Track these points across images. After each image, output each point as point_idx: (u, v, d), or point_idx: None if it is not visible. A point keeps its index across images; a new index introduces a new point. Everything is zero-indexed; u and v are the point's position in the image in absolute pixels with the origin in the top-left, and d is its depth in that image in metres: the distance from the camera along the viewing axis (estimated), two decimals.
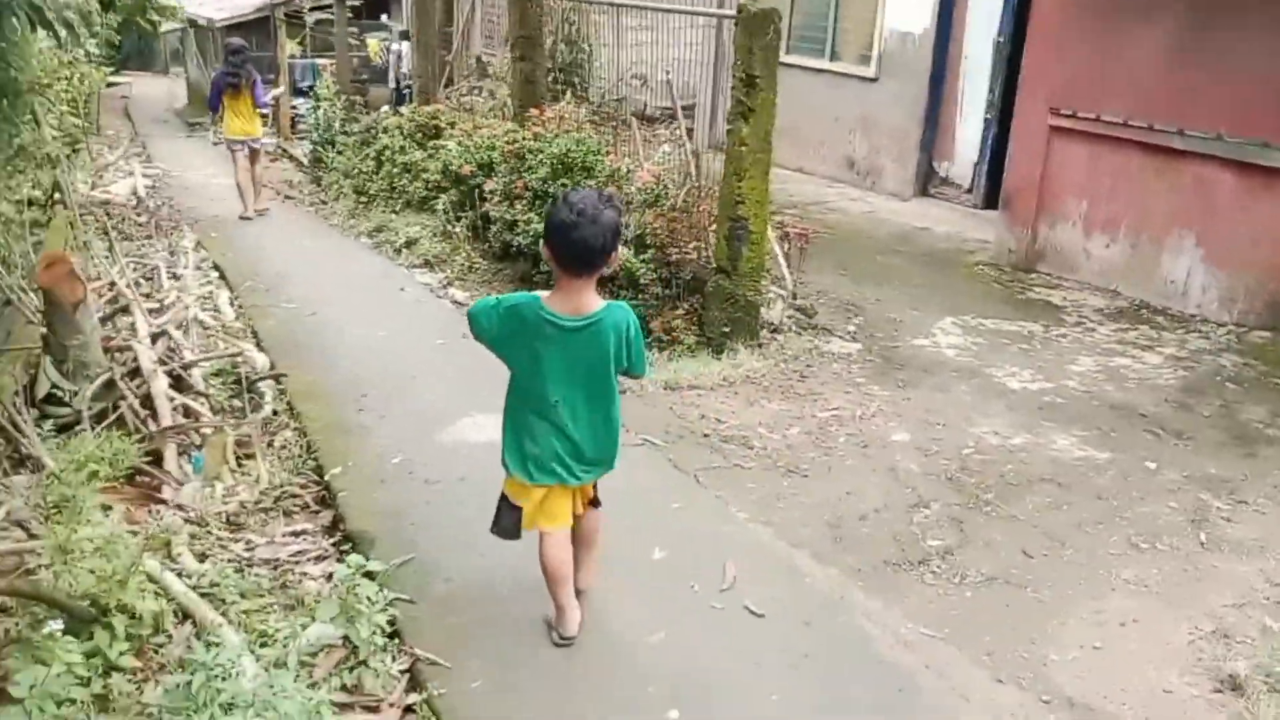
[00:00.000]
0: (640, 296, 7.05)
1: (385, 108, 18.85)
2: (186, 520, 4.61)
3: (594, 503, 3.67)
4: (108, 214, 10.95)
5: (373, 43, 19.67)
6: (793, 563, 4.33)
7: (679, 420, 5.74)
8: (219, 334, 6.97)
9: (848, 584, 4.19)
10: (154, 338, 6.31)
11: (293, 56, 20.78)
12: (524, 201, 8.08)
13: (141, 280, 8.23)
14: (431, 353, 6.80)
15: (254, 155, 11.37)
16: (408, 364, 6.56)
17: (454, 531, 4.42)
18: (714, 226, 6.97)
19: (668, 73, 8.29)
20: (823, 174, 12.65)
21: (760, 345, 6.80)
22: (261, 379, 6.02)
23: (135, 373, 5.77)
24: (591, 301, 3.20)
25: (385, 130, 11.43)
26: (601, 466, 3.48)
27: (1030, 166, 8.76)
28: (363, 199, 11.43)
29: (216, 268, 9.04)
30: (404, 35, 18.13)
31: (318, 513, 4.91)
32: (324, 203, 12.86)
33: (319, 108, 14.76)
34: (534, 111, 8.82)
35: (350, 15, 22.21)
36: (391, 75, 18.28)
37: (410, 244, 9.66)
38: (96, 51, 23.43)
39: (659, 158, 9.15)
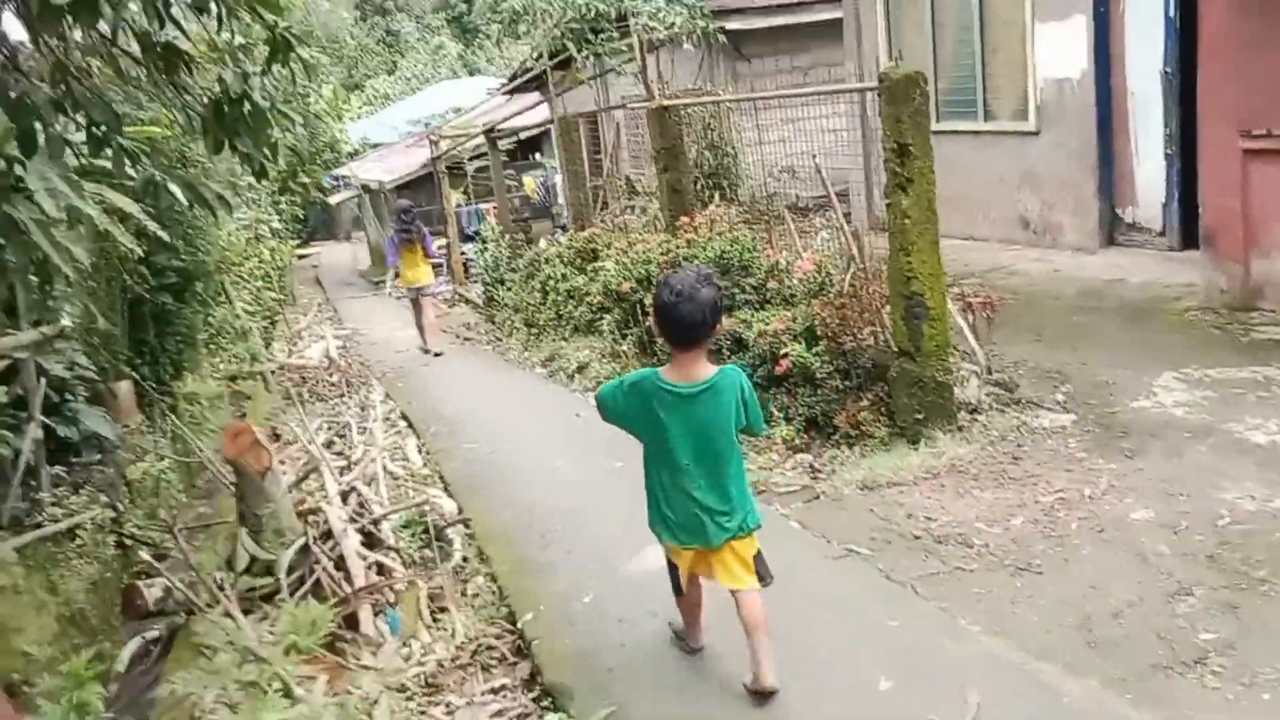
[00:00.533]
0: (819, 392, 6.63)
1: (544, 240, 19.54)
2: (386, 686, 4.44)
3: (761, 578, 3.67)
4: (302, 378, 11.51)
5: (529, 180, 20.42)
6: (1042, 678, 3.71)
7: (883, 523, 5.22)
8: (408, 483, 7.00)
9: (1113, 698, 3.55)
10: (344, 495, 6.36)
11: (459, 206, 21.87)
12: None
13: (335, 438, 8.47)
14: (608, 477, 6.56)
15: (427, 301, 12.75)
16: (587, 493, 6.34)
17: (651, 675, 4.06)
18: (887, 308, 6.53)
19: (815, 158, 7.99)
20: (995, 238, 11.92)
21: (960, 429, 6.21)
22: (449, 525, 5.92)
23: (328, 534, 5.78)
24: (703, 370, 3.48)
25: (547, 261, 11.62)
26: (733, 522, 3.57)
27: (1228, 196, 7.87)
28: (533, 330, 11.57)
29: (404, 416, 9.23)
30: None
31: (515, 664, 4.66)
32: (499, 339, 13.15)
33: (485, 250, 15.32)
34: (684, 220, 8.70)
35: (505, 158, 23.33)
36: (560, 208, 18.90)
37: (581, 369, 9.61)
38: (283, 227, 25.60)
39: (817, 245, 8.82)
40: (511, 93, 21.52)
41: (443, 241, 20.66)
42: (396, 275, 14.37)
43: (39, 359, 6.06)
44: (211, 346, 10.49)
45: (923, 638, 4.09)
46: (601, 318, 9.76)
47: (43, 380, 6.22)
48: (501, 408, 9.11)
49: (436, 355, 12.16)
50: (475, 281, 17.44)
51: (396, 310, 19.20)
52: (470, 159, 22.80)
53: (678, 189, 8.99)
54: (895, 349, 6.37)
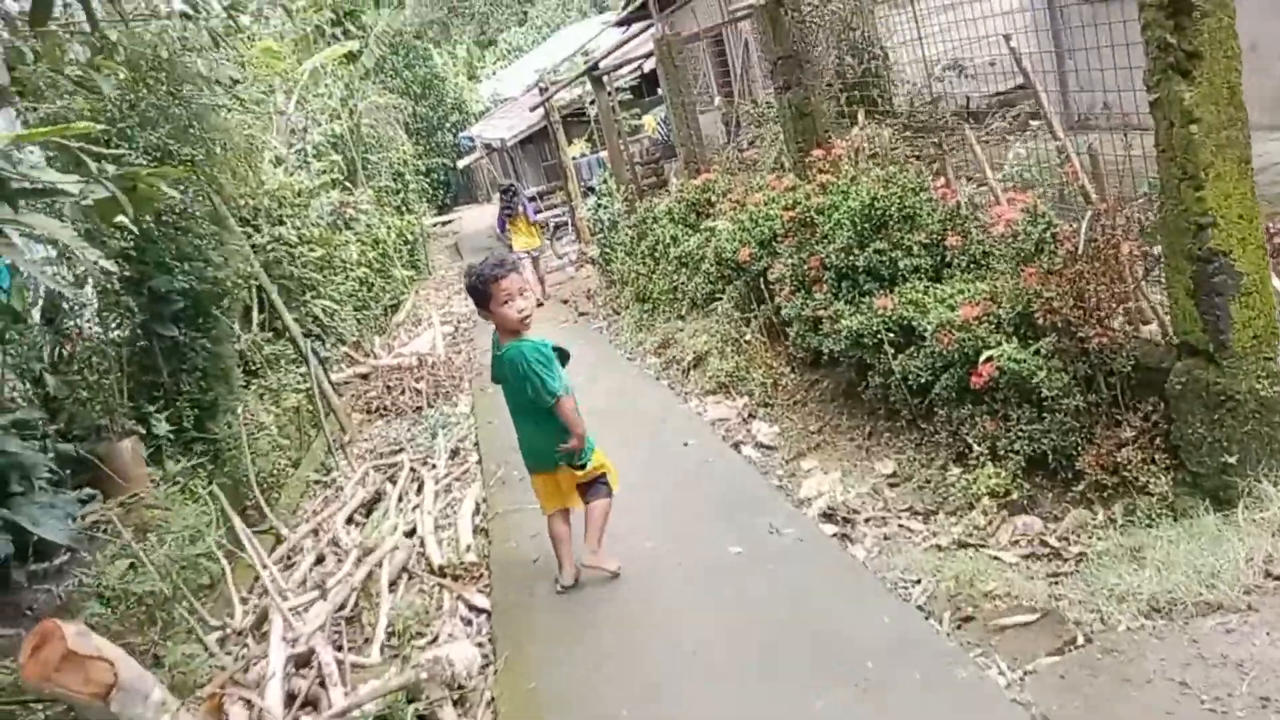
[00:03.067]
0: (1047, 415, 4.06)
1: (674, 180, 17.01)
2: None
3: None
4: (386, 386, 9.64)
5: (648, 119, 17.94)
6: None
7: (1210, 705, 2.68)
8: (434, 585, 4.83)
9: None
10: (297, 662, 4.03)
11: (580, 156, 19.64)
12: (826, 285, 5.37)
13: (387, 484, 6.47)
14: (723, 580, 4.21)
15: (535, 262, 13.85)
16: (686, 619, 4.00)
17: None
18: (1154, 277, 3.86)
19: (1008, 37, 5.26)
20: None
21: None
22: (456, 694, 3.68)
23: None
24: (505, 338, 4.26)
25: (655, 220, 9.21)
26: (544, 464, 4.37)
27: None
28: (646, 307, 9.25)
29: (477, 447, 7.13)
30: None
31: None
32: (616, 313, 10.92)
33: (600, 206, 13.04)
34: (817, 154, 6.11)
35: (630, 96, 20.83)
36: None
37: (699, 362, 7.24)
38: (416, 198, 24.11)
39: (1009, 168, 6.05)
40: (628, 23, 18.91)
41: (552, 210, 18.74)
42: (508, 243, 15.09)
43: None
44: (266, 369, 8.72)
45: None
46: (721, 292, 7.34)
47: None
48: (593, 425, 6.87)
49: (539, 304, 12.59)
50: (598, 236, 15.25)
51: (528, 278, 17.29)
52: (591, 102, 20.45)
53: (805, 111, 6.38)
54: (1177, 344, 3.72)
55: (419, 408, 8.81)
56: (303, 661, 3.69)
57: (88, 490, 5.77)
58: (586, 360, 8.93)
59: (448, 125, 32.48)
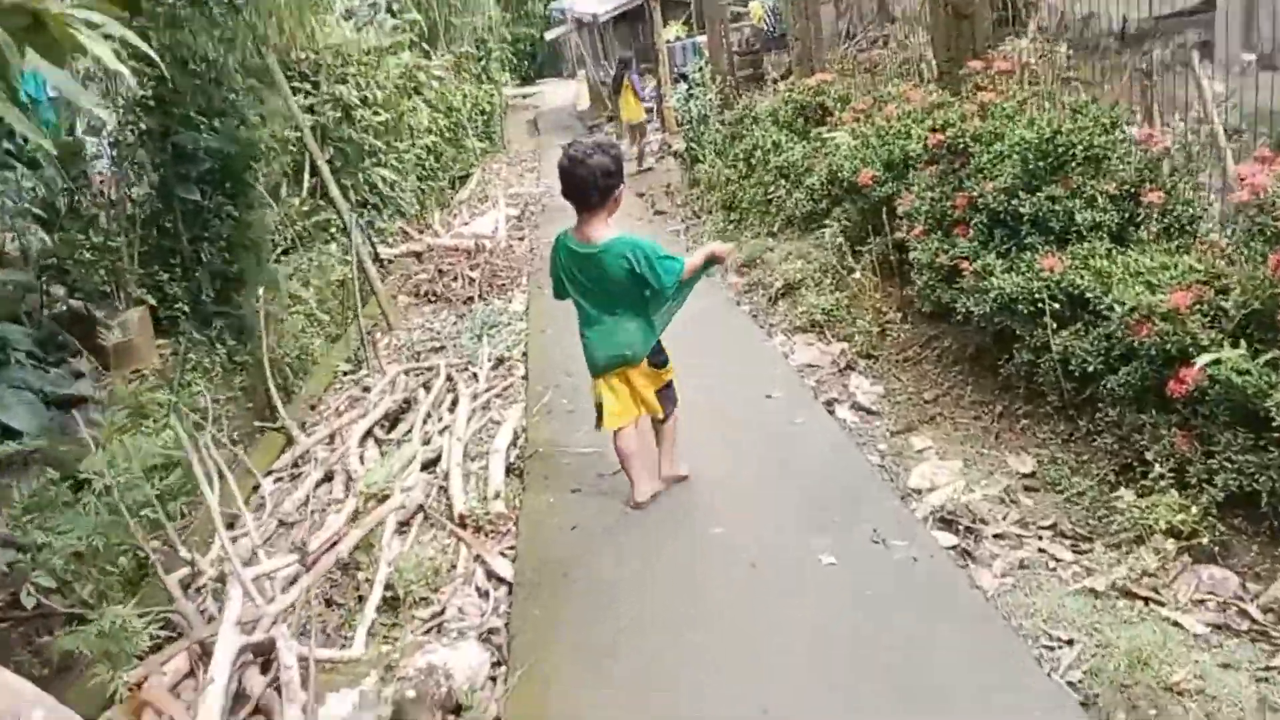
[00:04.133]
0: (1268, 444, 3.00)
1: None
2: None
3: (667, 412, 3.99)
4: (439, 270, 8.74)
5: (755, 7, 16.33)
6: None
7: None
8: (450, 534, 3.99)
9: None
10: (256, 651, 3.13)
11: (675, 39, 18.12)
12: (974, 230, 4.26)
13: (412, 398, 5.62)
14: (808, 604, 3.26)
15: (638, 132, 14.54)
16: (759, 653, 3.08)
17: None
18: None
19: None
20: None
21: None
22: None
23: None
24: (600, 233, 3.64)
25: (756, 120, 8.01)
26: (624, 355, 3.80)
27: None
28: (733, 216, 8.15)
29: (525, 359, 6.22)
30: None
31: None
32: (696, 216, 9.82)
33: (692, 96, 11.76)
34: (973, 65, 4.90)
35: None
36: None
37: (789, 290, 6.20)
38: (498, 67, 22.77)
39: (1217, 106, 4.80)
40: None
41: (653, 84, 17.31)
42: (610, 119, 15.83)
43: None
44: (309, 238, 7.87)
45: None
46: (828, 212, 6.24)
47: None
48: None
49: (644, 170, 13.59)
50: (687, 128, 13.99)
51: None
52: None
53: (963, 12, 5.13)
54: None
55: (470, 299, 7.92)
56: (264, 651, 2.88)
57: (78, 367, 5.03)
58: None
59: None
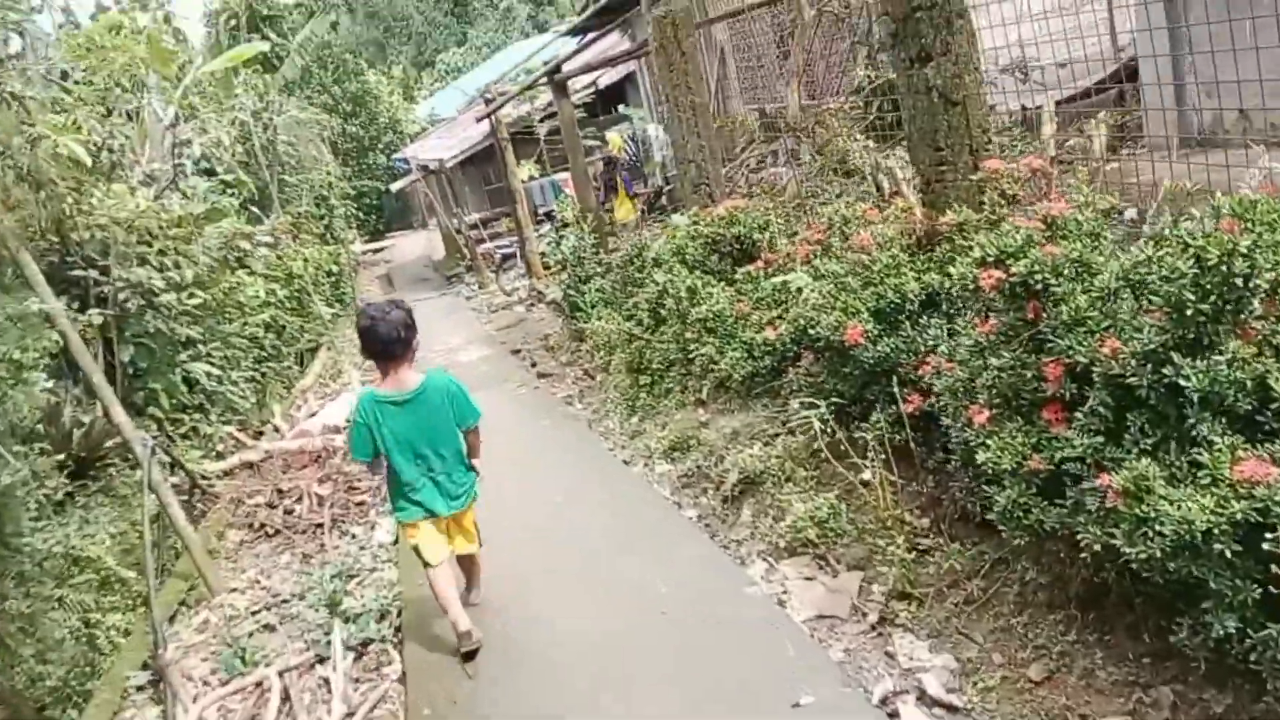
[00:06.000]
0: None
1: (633, 218, 14.33)
2: None
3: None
4: (279, 490, 6.67)
5: (614, 137, 15.25)
6: None
7: None
8: None
9: None
10: None
11: (529, 179, 16.82)
12: (1088, 416, 2.67)
13: None
14: None
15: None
16: None
17: None
18: None
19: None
20: None
21: None
22: None
23: None
24: (412, 379, 3.79)
25: (657, 262, 6.46)
26: (462, 499, 3.95)
27: None
28: (642, 380, 6.48)
29: (399, 636, 4.26)
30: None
31: None
32: (590, 376, 8.14)
33: (563, 238, 10.25)
34: (990, 167, 3.44)
35: (583, 113, 18.08)
36: (655, 167, 13.76)
37: (750, 486, 4.51)
38: (343, 224, 20.96)
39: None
40: (582, 32, 16.18)
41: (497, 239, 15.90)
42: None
43: None
44: (98, 474, 5.76)
45: None
46: (774, 374, 4.65)
47: None
48: (599, 620, 4.04)
49: None
50: (556, 273, 12.46)
51: (465, 319, 14.39)
52: (541, 119, 17.70)
53: (952, 99, 3.70)
54: None
55: (320, 526, 5.89)
56: None
57: None
58: (564, 463, 6.11)
59: (380, 146, 29.40)
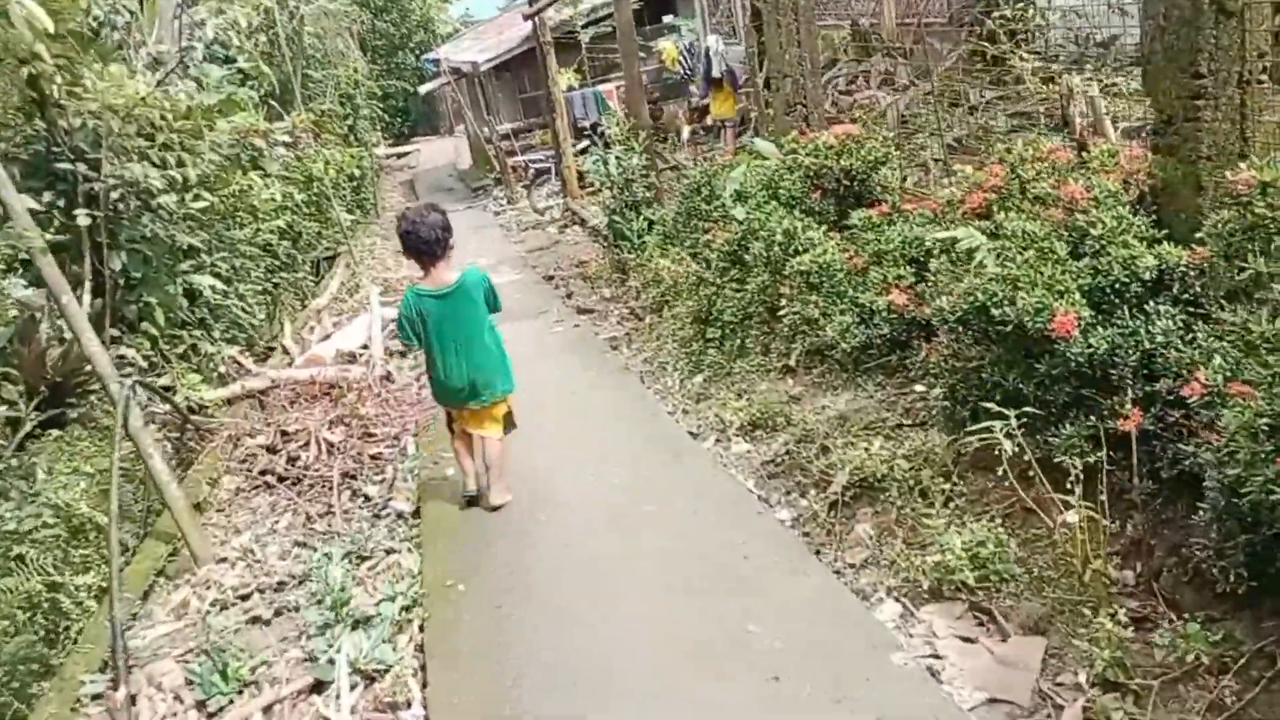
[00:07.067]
0: None
1: (685, 130, 13.05)
2: None
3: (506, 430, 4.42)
4: (283, 433, 5.74)
5: (668, 47, 13.90)
6: None
7: None
8: None
9: None
10: None
11: (569, 89, 15.48)
12: None
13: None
14: None
15: (730, 132, 11.36)
16: None
17: None
18: None
19: None
20: None
21: None
22: None
23: None
24: (449, 275, 4.13)
25: (740, 195, 5.34)
26: (488, 390, 4.25)
27: None
28: (710, 332, 5.45)
29: (424, 662, 3.34)
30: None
31: None
32: (638, 316, 7.11)
33: (608, 157, 9.07)
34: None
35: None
36: (701, 79, 12.39)
37: (866, 492, 3.52)
38: (368, 125, 19.68)
39: None
40: None
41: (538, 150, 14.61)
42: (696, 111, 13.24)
43: None
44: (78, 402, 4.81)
45: None
46: (893, 348, 3.63)
47: None
48: (665, 640, 3.10)
49: None
50: (595, 193, 11.31)
51: (493, 237, 13.28)
52: (584, 25, 16.29)
53: (1229, 7, 2.60)
54: None
55: (328, 483, 4.96)
56: None
57: None
58: (621, 434, 5.07)
59: (411, 45, 27.79)
